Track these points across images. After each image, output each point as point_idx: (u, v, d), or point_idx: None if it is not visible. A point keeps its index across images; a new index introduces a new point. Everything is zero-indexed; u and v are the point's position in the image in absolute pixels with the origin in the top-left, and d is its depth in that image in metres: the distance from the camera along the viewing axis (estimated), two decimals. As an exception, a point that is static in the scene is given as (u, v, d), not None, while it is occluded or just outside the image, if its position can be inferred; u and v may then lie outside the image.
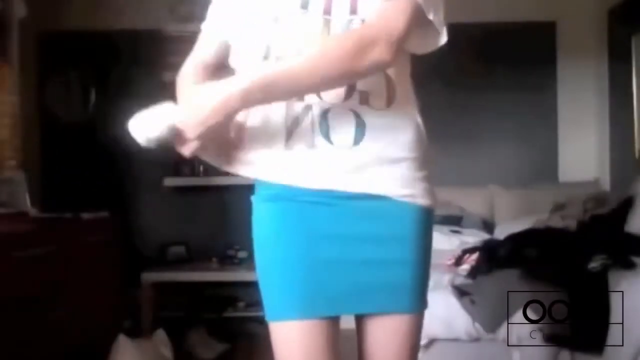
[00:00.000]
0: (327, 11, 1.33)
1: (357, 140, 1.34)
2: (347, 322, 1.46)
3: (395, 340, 1.44)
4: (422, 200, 1.40)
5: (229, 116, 1.26)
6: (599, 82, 4.58)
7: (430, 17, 1.32)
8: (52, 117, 4.56)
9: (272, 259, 1.38)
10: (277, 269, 1.37)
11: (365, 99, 1.35)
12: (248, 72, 1.28)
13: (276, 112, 1.35)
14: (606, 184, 4.51)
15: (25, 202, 3.43)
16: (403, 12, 1.28)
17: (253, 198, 1.44)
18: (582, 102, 4.67)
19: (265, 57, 1.36)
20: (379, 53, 1.25)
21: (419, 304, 1.44)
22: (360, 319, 1.46)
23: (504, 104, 4.61)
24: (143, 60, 4.50)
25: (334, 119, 1.34)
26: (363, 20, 1.32)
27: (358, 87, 1.35)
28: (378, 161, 1.36)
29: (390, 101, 1.37)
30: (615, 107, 4.40)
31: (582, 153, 4.67)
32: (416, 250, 1.41)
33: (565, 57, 4.66)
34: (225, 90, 1.25)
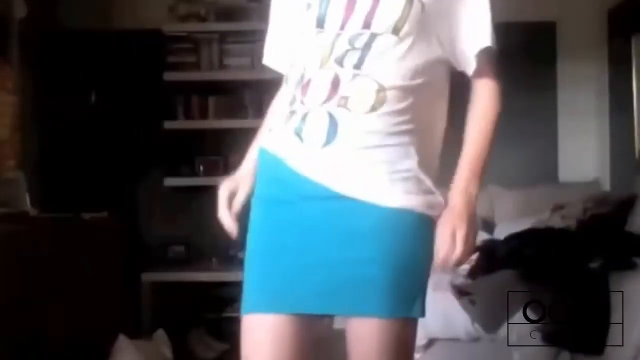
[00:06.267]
0: (342, 27, 1.37)
1: (329, 140, 1.37)
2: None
3: (370, 346, 1.41)
4: (394, 202, 1.39)
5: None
6: (599, 82, 4.57)
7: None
8: (52, 117, 4.57)
9: (247, 256, 1.55)
10: (248, 265, 1.53)
11: (344, 103, 1.38)
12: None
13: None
14: (606, 184, 4.50)
15: (25, 202, 3.43)
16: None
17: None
18: (582, 102, 4.66)
19: (285, 81, 1.47)
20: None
21: (396, 309, 1.40)
22: (347, 320, 1.47)
23: (504, 104, 4.60)
24: (143, 60, 4.49)
25: (310, 120, 1.40)
26: (372, 34, 1.37)
27: (339, 92, 1.38)
28: (347, 162, 1.38)
29: (375, 108, 1.38)
30: (615, 107, 4.40)
31: (582, 153, 4.67)
32: (386, 250, 1.39)
33: (565, 57, 4.65)
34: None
